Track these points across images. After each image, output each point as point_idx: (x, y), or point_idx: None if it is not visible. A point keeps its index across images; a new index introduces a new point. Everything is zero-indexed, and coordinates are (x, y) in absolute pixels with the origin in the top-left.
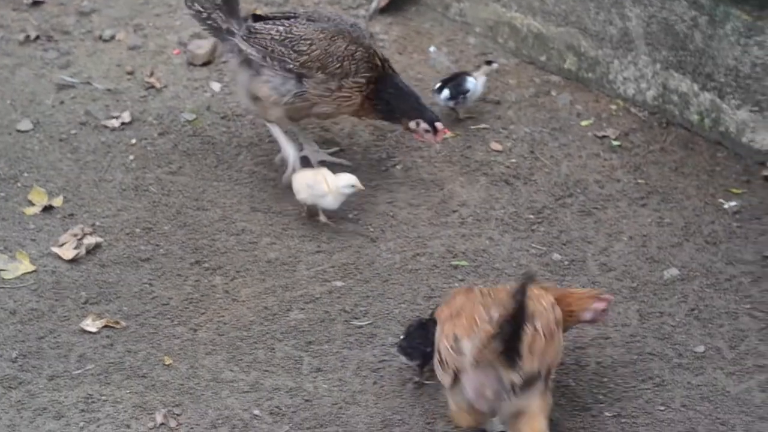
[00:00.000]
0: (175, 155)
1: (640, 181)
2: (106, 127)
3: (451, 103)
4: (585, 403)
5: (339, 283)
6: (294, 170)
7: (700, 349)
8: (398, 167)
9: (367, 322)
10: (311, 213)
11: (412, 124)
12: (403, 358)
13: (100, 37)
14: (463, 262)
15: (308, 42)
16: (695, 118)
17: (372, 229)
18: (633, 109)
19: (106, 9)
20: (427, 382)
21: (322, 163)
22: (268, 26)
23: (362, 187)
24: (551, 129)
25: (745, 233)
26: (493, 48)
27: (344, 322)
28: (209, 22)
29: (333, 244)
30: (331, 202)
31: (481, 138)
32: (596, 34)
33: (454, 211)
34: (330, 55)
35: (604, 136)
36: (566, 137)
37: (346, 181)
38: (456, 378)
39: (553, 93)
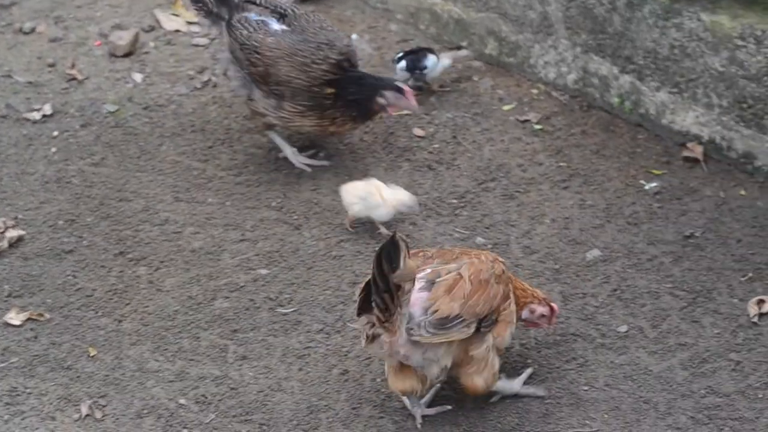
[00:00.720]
0: (97, 147)
1: (561, 164)
2: (27, 119)
3: (406, 75)
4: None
5: (264, 271)
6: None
7: (623, 328)
8: (321, 154)
9: (292, 309)
10: (352, 224)
11: (381, 101)
12: None
13: (21, 30)
14: None
15: (258, 56)
16: (616, 100)
17: (296, 217)
18: (554, 93)
19: (27, 1)
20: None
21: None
22: (242, 24)
23: (417, 212)
24: (473, 114)
25: (666, 214)
26: (415, 34)
27: (269, 309)
28: (200, 3)
29: (257, 233)
30: (384, 214)
31: (404, 124)
32: (516, 19)
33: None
34: (270, 75)
35: (525, 120)
36: (488, 122)
37: (404, 200)
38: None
39: (475, 78)
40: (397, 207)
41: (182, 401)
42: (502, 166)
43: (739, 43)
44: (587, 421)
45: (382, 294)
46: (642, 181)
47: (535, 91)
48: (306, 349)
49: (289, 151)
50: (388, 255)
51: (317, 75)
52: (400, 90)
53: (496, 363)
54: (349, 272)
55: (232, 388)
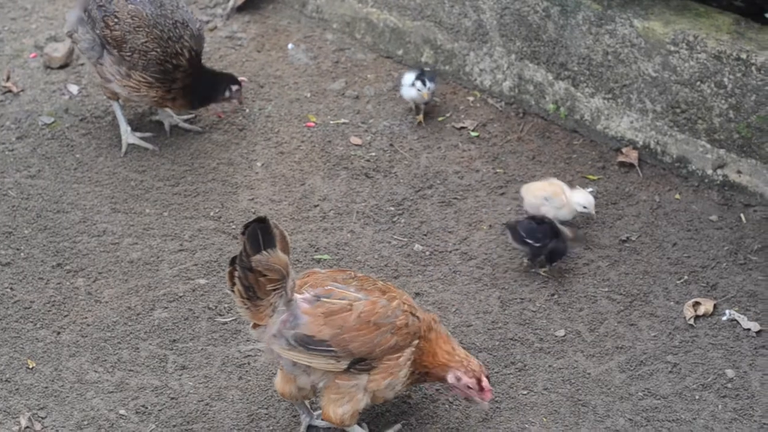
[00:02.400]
0: (34, 159)
1: (498, 170)
2: None
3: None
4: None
5: (202, 281)
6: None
7: (561, 332)
8: (259, 164)
9: (231, 319)
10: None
11: (226, 93)
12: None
13: None
14: (326, 256)
15: (116, 20)
16: (551, 107)
17: (234, 226)
18: (490, 100)
19: None
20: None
21: (174, 128)
22: None
23: (594, 214)
24: (410, 122)
25: (602, 218)
26: (351, 43)
27: (208, 319)
28: None
29: (195, 243)
30: (566, 213)
31: (341, 133)
32: (451, 27)
33: (316, 206)
34: (126, 42)
35: (462, 128)
36: (425, 129)
37: (584, 200)
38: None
39: None
40: (576, 207)
41: (122, 412)
42: (439, 174)
43: (672, 48)
44: (526, 425)
45: (245, 270)
46: (578, 187)
47: (471, 98)
48: (246, 358)
49: (124, 127)
50: (254, 236)
51: (173, 51)
52: (239, 84)
53: (361, 404)
54: None
55: (172, 398)
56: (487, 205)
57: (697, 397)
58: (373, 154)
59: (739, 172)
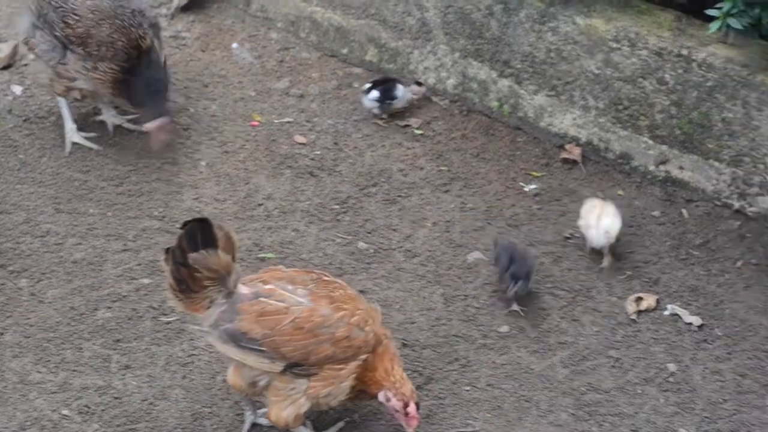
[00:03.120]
0: None
1: (442, 168)
2: None
3: (375, 105)
4: None
5: (146, 281)
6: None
7: (504, 329)
8: (203, 163)
9: (175, 318)
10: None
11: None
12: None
13: None
14: (270, 255)
15: (77, 18)
16: (495, 104)
17: (178, 226)
18: (434, 98)
19: None
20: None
21: (118, 128)
22: None
23: (614, 241)
24: (354, 120)
25: (546, 215)
26: (296, 42)
27: (152, 318)
28: None
29: (139, 242)
30: (593, 236)
31: (285, 131)
32: (395, 26)
33: (260, 205)
34: (91, 37)
35: (406, 126)
36: (369, 128)
37: (605, 226)
38: None
39: (356, 85)
40: (600, 233)
41: (65, 412)
42: (384, 172)
43: (614, 45)
44: (470, 421)
45: (177, 264)
46: (522, 184)
47: (415, 96)
48: (189, 357)
49: (69, 126)
50: (192, 234)
51: (134, 37)
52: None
53: (303, 408)
54: None
55: (116, 398)
56: (432, 202)
57: (639, 391)
58: (318, 152)
59: (681, 167)
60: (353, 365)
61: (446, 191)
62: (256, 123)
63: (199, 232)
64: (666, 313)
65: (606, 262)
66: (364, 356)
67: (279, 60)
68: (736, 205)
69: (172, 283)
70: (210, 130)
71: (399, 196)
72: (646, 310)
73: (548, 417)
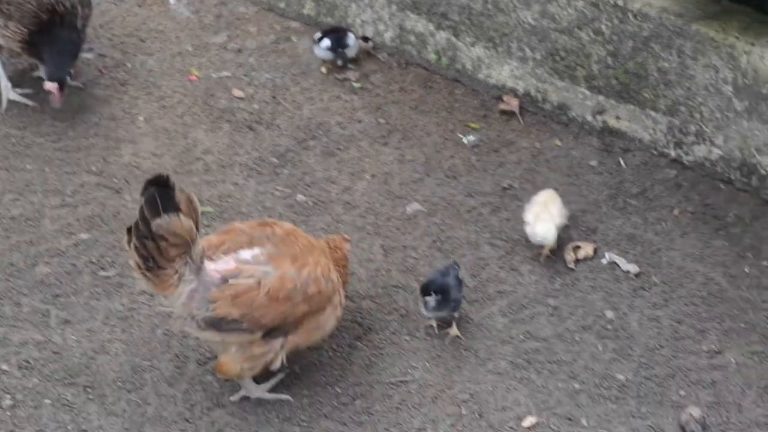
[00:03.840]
0: None
1: (381, 120)
2: None
3: (330, 54)
4: (336, 336)
5: (85, 236)
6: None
7: None
8: (141, 118)
9: (114, 272)
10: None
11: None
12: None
13: None
14: (209, 209)
15: None
16: (433, 57)
17: (116, 181)
18: (372, 51)
19: None
20: None
21: (13, 103)
22: None
23: (550, 246)
24: (292, 74)
25: (484, 166)
26: None
27: (91, 273)
28: None
29: (77, 198)
30: (530, 234)
31: (223, 86)
32: None
33: (198, 159)
34: None
35: (345, 79)
36: (308, 81)
37: (540, 233)
38: None
39: (294, 39)
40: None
41: (4, 367)
42: (322, 125)
43: None
44: (409, 370)
45: (142, 239)
46: (460, 135)
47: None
48: (129, 311)
49: (4, 83)
50: (152, 199)
51: (47, 1)
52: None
53: (273, 364)
54: None
55: (55, 352)
56: (370, 155)
57: (577, 338)
58: (256, 106)
59: (617, 117)
60: (330, 308)
61: (385, 144)
62: (193, 77)
63: (159, 197)
64: (604, 261)
65: (543, 255)
66: (337, 295)
67: (216, 14)
68: (673, 154)
69: (138, 262)
70: (147, 85)
71: (338, 148)
72: (584, 259)
73: (487, 365)
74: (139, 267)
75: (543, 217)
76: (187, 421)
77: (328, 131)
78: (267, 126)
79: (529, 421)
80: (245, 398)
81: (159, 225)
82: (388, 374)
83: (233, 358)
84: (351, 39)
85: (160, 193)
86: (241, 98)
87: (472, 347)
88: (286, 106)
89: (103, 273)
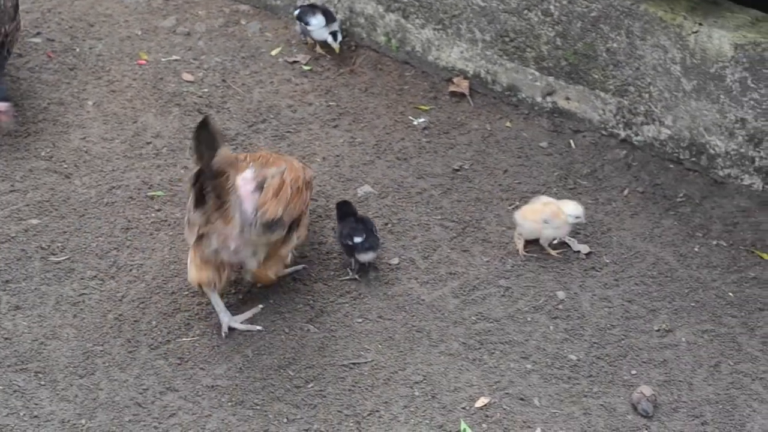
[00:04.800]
0: None
1: (331, 103)
2: None
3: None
4: (289, 319)
5: (35, 221)
6: None
7: (395, 261)
8: (90, 102)
9: (65, 258)
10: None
11: None
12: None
13: None
14: (160, 193)
15: None
16: (382, 39)
17: (66, 166)
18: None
19: None
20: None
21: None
22: None
23: (584, 222)
24: (242, 57)
25: (434, 148)
26: None
27: (41, 258)
28: None
29: (27, 183)
30: (565, 232)
31: (173, 69)
32: None
33: (149, 143)
34: None
35: (294, 62)
36: (257, 65)
37: (575, 210)
38: (204, 236)
39: (243, 22)
40: (569, 221)
41: None
42: (272, 108)
43: None
44: (362, 352)
45: (214, 179)
46: (410, 117)
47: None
48: (80, 297)
49: None
50: (208, 141)
51: None
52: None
53: (289, 258)
54: (121, 218)
55: (6, 338)
56: (321, 137)
57: (529, 319)
58: (206, 90)
59: (567, 98)
60: (306, 212)
61: (335, 126)
62: (143, 61)
63: (206, 134)
64: (555, 242)
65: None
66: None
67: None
68: (622, 134)
69: (214, 203)
70: (96, 69)
71: (288, 132)
72: (536, 240)
73: (439, 346)
74: (216, 208)
75: (564, 201)
76: (140, 405)
77: (278, 114)
78: (217, 110)
79: (481, 401)
80: (232, 329)
81: (220, 161)
82: (340, 357)
83: (266, 268)
84: (317, 19)
85: (207, 132)
86: (191, 82)
87: (424, 329)
88: (236, 89)
89: (53, 258)
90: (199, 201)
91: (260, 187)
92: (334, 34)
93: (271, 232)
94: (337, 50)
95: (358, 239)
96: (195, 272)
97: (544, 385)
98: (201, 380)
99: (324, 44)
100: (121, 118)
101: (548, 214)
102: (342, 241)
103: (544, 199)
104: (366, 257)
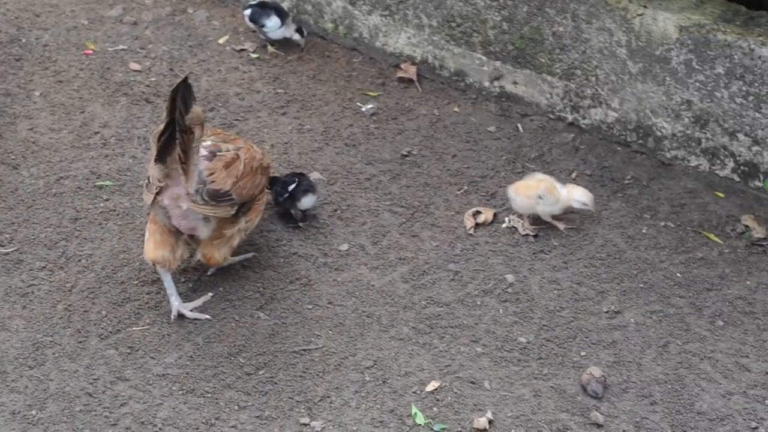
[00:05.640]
0: None
1: (279, 90)
2: None
3: (252, 25)
4: (239, 307)
5: None
6: None
7: (344, 247)
8: (37, 93)
9: (13, 249)
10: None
11: None
12: None
13: None
14: (108, 182)
15: None
16: (330, 26)
17: (13, 157)
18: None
19: None
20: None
21: None
22: None
23: (593, 211)
24: (189, 46)
25: (383, 134)
26: None
27: None
28: None
29: None
30: (558, 210)
31: (120, 59)
32: None
33: (96, 133)
34: None
35: (242, 50)
36: (205, 53)
37: (583, 197)
38: (157, 196)
39: (190, 10)
40: (572, 204)
41: None
42: (221, 96)
43: None
44: (312, 339)
45: (182, 134)
46: (359, 104)
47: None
48: (29, 287)
49: None
50: (184, 96)
51: None
52: None
53: (236, 242)
54: (70, 209)
55: None
56: (269, 125)
57: (478, 302)
58: (153, 79)
59: (515, 83)
60: (261, 198)
61: (283, 113)
62: (89, 51)
63: (185, 92)
64: (503, 225)
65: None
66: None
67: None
68: (570, 117)
69: (181, 155)
70: (43, 59)
71: (236, 119)
72: (484, 224)
73: (390, 331)
74: (181, 161)
75: (569, 189)
76: (90, 395)
77: (226, 102)
78: (165, 98)
79: (432, 385)
80: (181, 315)
81: (192, 117)
82: (291, 343)
83: (213, 246)
84: (272, 20)
85: (185, 88)
86: (138, 71)
87: (374, 314)
88: (186, 74)
89: (1, 250)
90: (163, 153)
91: (212, 156)
92: (300, 31)
93: (217, 203)
94: (303, 46)
95: (291, 186)
96: (152, 249)
97: (494, 368)
98: (151, 369)
99: (275, 43)
100: (68, 109)
101: (543, 190)
102: (278, 198)
103: (539, 176)
104: (307, 201)
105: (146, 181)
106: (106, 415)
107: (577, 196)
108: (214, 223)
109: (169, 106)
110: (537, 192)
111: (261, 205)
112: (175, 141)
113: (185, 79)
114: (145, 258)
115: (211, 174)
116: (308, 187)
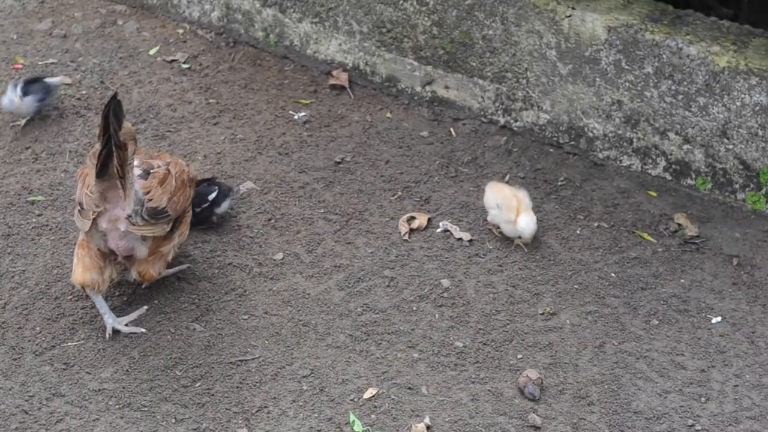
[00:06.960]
0: None
1: (211, 101)
2: None
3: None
4: (174, 319)
5: None
6: None
7: (279, 256)
8: None
9: None
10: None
11: None
12: None
13: None
14: (40, 197)
15: None
16: (261, 34)
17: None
18: (200, 32)
19: None
20: None
21: None
22: None
23: (528, 242)
24: (120, 58)
25: (316, 141)
26: None
27: None
28: None
29: None
30: (510, 231)
31: (50, 73)
32: None
33: (27, 148)
34: None
35: (173, 60)
36: (135, 65)
37: (522, 228)
38: (95, 220)
39: (120, 22)
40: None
41: None
42: (152, 108)
43: None
44: (249, 349)
45: (118, 150)
46: (291, 112)
47: (180, 30)
48: None
49: None
50: (116, 112)
51: None
52: None
53: (171, 256)
54: (2, 225)
55: None
56: (202, 135)
57: (414, 308)
58: (84, 92)
59: (446, 87)
60: (189, 211)
61: (216, 124)
62: (19, 66)
63: (117, 107)
64: (438, 230)
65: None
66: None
67: (40, 1)
68: (502, 120)
69: (118, 169)
70: None
71: (168, 131)
72: (419, 229)
73: (326, 339)
74: (119, 175)
75: (522, 209)
76: (26, 412)
77: (158, 114)
78: (96, 111)
79: (369, 392)
80: (116, 331)
81: (125, 133)
82: (227, 354)
83: (148, 263)
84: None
85: (117, 104)
86: (69, 84)
87: (310, 322)
88: (115, 90)
89: None
90: (103, 170)
91: (146, 174)
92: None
93: (156, 221)
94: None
95: (212, 195)
96: (80, 273)
97: (431, 374)
98: (87, 384)
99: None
100: None
101: (500, 199)
102: (197, 209)
103: (519, 193)
104: (225, 206)
105: (78, 207)
106: None
107: (519, 222)
108: (151, 241)
109: (103, 124)
110: (498, 201)
111: (189, 217)
112: (112, 157)
113: (115, 95)
114: (73, 282)
115: (148, 192)
116: (227, 192)
